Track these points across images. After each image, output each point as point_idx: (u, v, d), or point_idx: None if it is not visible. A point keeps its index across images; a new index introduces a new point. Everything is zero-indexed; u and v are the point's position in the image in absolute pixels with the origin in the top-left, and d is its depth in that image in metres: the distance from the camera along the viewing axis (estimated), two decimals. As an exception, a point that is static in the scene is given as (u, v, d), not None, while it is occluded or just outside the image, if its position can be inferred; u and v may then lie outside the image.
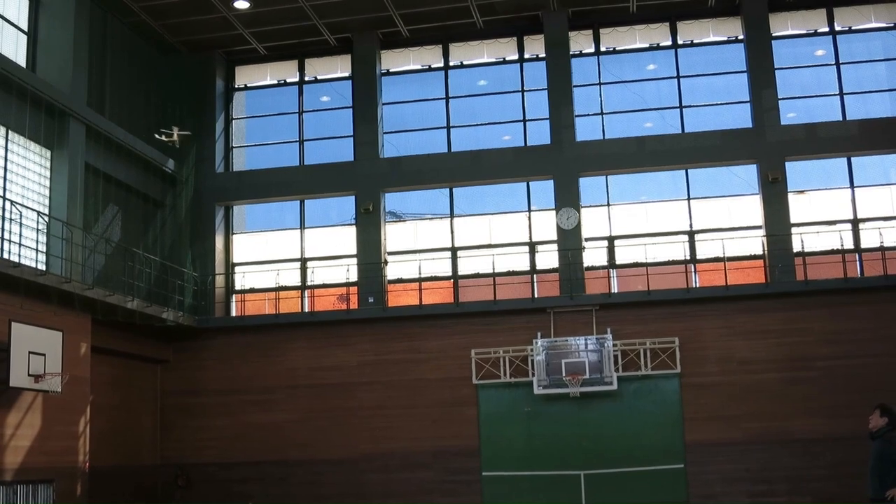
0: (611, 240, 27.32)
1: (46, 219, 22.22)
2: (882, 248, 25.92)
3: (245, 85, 30.38)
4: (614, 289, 26.94)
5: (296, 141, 29.51)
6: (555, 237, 27.14)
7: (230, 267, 28.95)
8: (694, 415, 25.22)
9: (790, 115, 27.48)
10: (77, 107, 23.61)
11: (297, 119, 29.65)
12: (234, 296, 28.84)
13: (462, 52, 29.29)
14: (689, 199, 27.34)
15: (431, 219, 28.60)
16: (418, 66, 29.51)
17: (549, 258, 27.35)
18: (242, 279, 28.91)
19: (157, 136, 26.10)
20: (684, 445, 25.01)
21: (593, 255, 27.29)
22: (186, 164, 28.78)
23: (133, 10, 26.69)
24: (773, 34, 27.77)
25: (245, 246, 29.34)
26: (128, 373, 26.16)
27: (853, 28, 27.93)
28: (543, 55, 28.47)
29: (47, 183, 23.05)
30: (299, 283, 28.51)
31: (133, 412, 26.31)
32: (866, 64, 27.86)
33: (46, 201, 22.89)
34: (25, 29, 23.40)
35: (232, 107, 30.03)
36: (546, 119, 28.02)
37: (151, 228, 27.85)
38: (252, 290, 28.87)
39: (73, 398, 22.21)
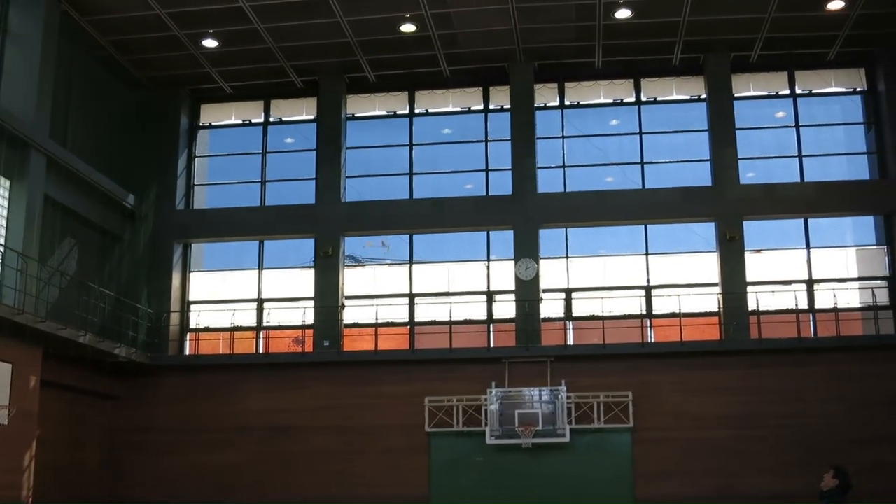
0: (568, 292, 27.42)
1: (2, 249, 22.00)
2: (836, 310, 26.22)
3: (210, 123, 30.34)
4: (570, 341, 27.01)
5: (258, 181, 29.46)
6: (513, 287, 27.20)
7: (186, 305, 28.77)
8: (645, 470, 25.22)
9: (749, 174, 27.78)
10: (39, 138, 23.45)
11: (261, 159, 29.62)
12: (188, 334, 28.64)
13: (428, 100, 29.44)
14: (647, 254, 27.53)
15: (390, 264, 28.59)
16: (384, 112, 29.63)
17: (506, 308, 27.39)
18: (198, 318, 28.73)
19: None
20: (635, 500, 24.95)
21: (550, 307, 27.35)
22: (147, 199, 28.64)
23: (101, 44, 26.69)
24: (735, 95, 28.13)
25: (202, 284, 29.16)
26: (77, 408, 25.82)
27: (813, 91, 28.38)
28: (508, 106, 28.67)
29: (4, 213, 22.82)
30: (255, 324, 28.35)
31: (81, 448, 25.95)
32: (825, 127, 28.33)
33: (2, 231, 22.65)
34: (-9, 58, 23.32)
35: (195, 144, 29.96)
36: (508, 170, 28.14)
37: (108, 263, 27.64)
38: (207, 329, 28.69)
39: (19, 431, 21.86)
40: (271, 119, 30.00)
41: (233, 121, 30.36)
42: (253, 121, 30.13)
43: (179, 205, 29.17)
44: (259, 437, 26.59)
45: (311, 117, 29.70)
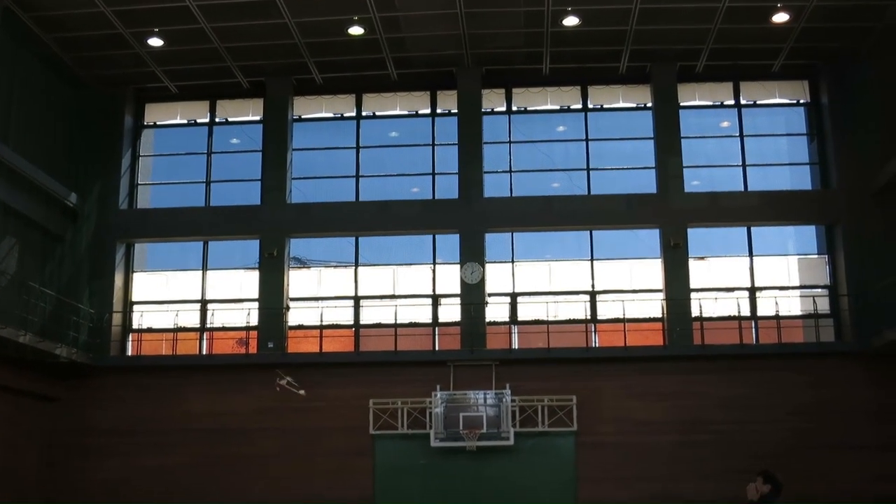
0: (514, 296, 27.49)
1: (-60, 247, 21.64)
2: (777, 317, 26.57)
3: (154, 122, 30.04)
4: (515, 345, 27.08)
5: (202, 182, 29.20)
6: (458, 291, 27.22)
7: (128, 305, 28.45)
8: (588, 473, 25.33)
9: (694, 182, 28.04)
10: (-21, 135, 23.12)
11: (206, 160, 29.38)
12: (130, 335, 28.31)
13: (375, 103, 29.38)
14: (592, 259, 27.68)
15: (336, 266, 28.49)
16: (331, 114, 29.53)
17: (451, 311, 27.38)
18: (140, 318, 28.42)
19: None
20: (577, 503, 25.06)
21: (495, 311, 27.38)
22: (90, 198, 28.29)
23: (45, 41, 26.33)
24: (681, 104, 28.40)
25: (145, 285, 28.84)
26: (16, 409, 25.33)
27: (758, 102, 28.73)
28: (455, 111, 28.71)
29: (-57, 211, 22.48)
30: (198, 325, 28.09)
31: (18, 450, 25.46)
32: (769, 138, 28.69)
33: (-59, 229, 22.29)
34: (-70, 52, 22.93)
35: (140, 144, 29.65)
36: (455, 174, 28.18)
37: (50, 262, 27.21)
38: (150, 330, 28.39)
39: (-44, 432, 21.56)
40: (217, 119, 29.77)
41: (178, 120, 30.07)
42: (198, 121, 29.88)
43: (123, 204, 28.84)
44: (202, 439, 26.32)
45: (258, 118, 29.53)
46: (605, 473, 25.24)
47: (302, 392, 9.62)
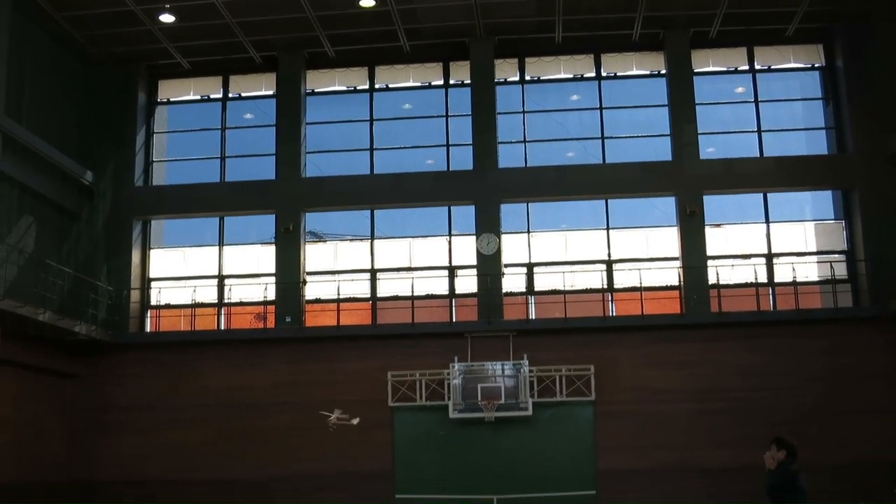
0: (530, 266, 27.49)
1: (-43, 227, 21.75)
2: (794, 283, 26.47)
3: (168, 99, 30.07)
4: (532, 315, 27.10)
5: (217, 157, 29.24)
6: (474, 262, 27.24)
7: (146, 282, 28.57)
8: (607, 442, 25.39)
9: (709, 149, 27.94)
10: (-6, 115, 23.19)
11: (220, 135, 29.41)
12: (149, 311, 28.44)
13: (388, 75, 29.32)
14: (608, 228, 27.62)
15: (352, 240, 28.53)
16: (343, 88, 29.49)
17: (468, 283, 27.41)
18: (158, 295, 28.54)
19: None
20: (596, 472, 25.14)
21: (512, 281, 27.41)
22: (105, 176, 28.35)
23: (56, 19, 26.32)
24: (695, 70, 28.27)
25: (162, 261, 28.95)
26: (36, 387, 25.56)
27: (772, 67, 28.56)
28: (468, 81, 28.62)
29: (-40, 191, 22.58)
30: (216, 301, 28.20)
31: (40, 427, 25.70)
32: (784, 103, 28.56)
33: (-42, 209, 22.40)
34: (-58, 34, 22.97)
35: (153, 121, 29.69)
36: (469, 145, 28.12)
37: (67, 240, 27.34)
38: (168, 306, 28.51)
39: (-23, 411, 21.75)
40: (230, 95, 29.76)
41: (191, 97, 30.09)
42: (212, 96, 29.89)
43: (138, 181, 28.90)
44: (221, 414, 26.48)
45: (271, 93, 29.49)
46: (623, 442, 25.30)
47: (355, 421, 9.58)
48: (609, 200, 27.74)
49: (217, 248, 28.64)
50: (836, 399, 25.12)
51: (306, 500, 25.70)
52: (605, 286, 27.16)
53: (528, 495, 25.04)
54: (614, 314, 26.93)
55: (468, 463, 25.43)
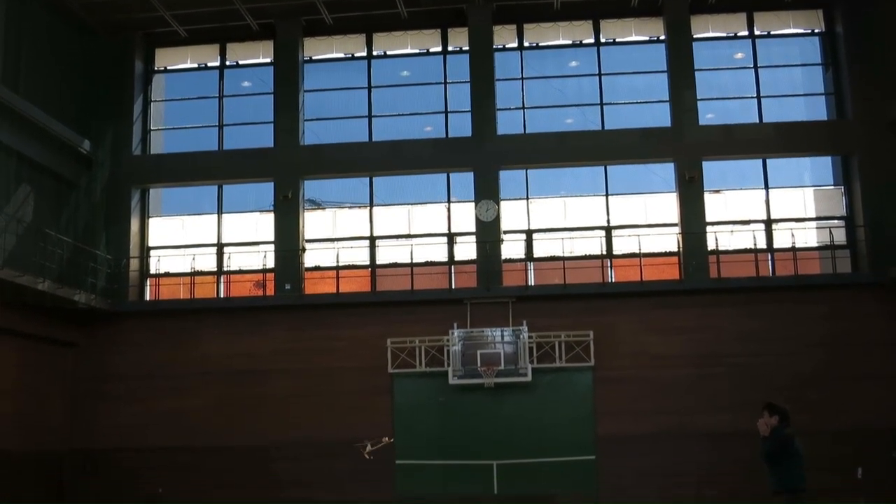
0: (529, 233, 27.48)
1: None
2: (793, 249, 26.49)
3: (165, 67, 29.93)
4: (531, 281, 27.11)
5: (215, 126, 29.17)
6: (473, 229, 27.23)
7: (145, 250, 28.56)
8: (606, 408, 25.46)
9: (708, 115, 27.89)
10: (-9, 84, 23.11)
11: (217, 103, 29.32)
12: (148, 280, 28.45)
13: (386, 42, 29.20)
14: (607, 195, 27.59)
15: (350, 207, 28.51)
16: (341, 55, 29.38)
17: (467, 250, 27.40)
18: (157, 263, 28.54)
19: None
20: (595, 438, 25.23)
21: (511, 248, 27.41)
22: (103, 145, 28.29)
23: (52, -13, 26.23)
24: (694, 36, 28.17)
25: (161, 230, 28.93)
26: (36, 356, 25.62)
27: (772, 33, 28.44)
28: (467, 48, 28.52)
29: (-43, 160, 22.52)
30: (215, 269, 28.20)
31: (41, 396, 25.77)
32: (783, 68, 28.43)
33: (-44, 179, 22.35)
34: (-63, 2, 22.85)
35: (151, 89, 29.58)
36: (468, 112, 28.06)
37: (65, 210, 27.32)
38: (167, 275, 28.51)
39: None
40: (227, 63, 29.65)
41: (188, 65, 29.94)
42: (209, 65, 29.76)
43: (136, 150, 28.85)
44: (221, 381, 26.55)
45: (268, 60, 29.40)
46: (622, 407, 25.37)
47: (386, 439, 9.52)
48: (608, 167, 27.69)
49: (216, 216, 28.61)
50: (835, 365, 25.18)
51: (306, 466, 25.81)
52: (604, 252, 27.17)
53: (528, 461, 25.15)
54: (613, 280, 26.95)
55: (468, 429, 25.52)
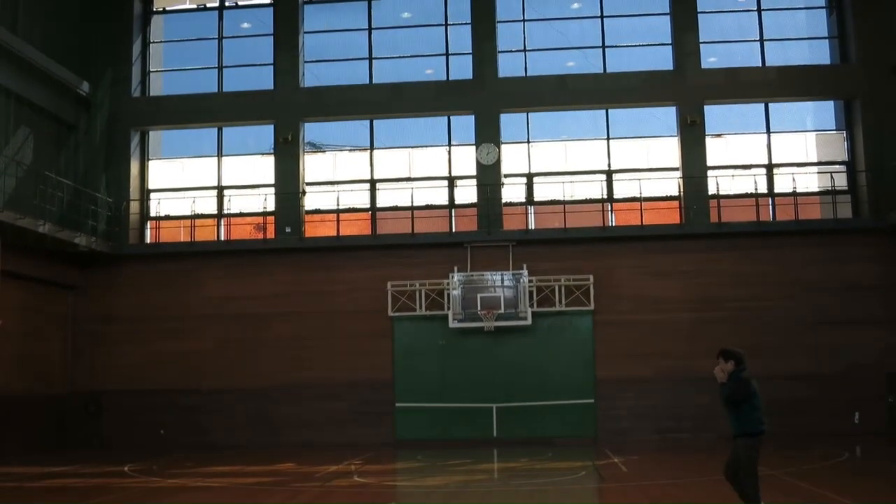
0: (529, 177, 27.42)
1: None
2: (794, 194, 26.46)
3: (164, 8, 29.66)
4: (531, 225, 27.11)
5: (215, 67, 28.97)
6: (474, 172, 27.18)
7: (145, 193, 28.51)
8: (605, 352, 25.59)
9: (711, 59, 27.70)
10: (-13, 25, 22.92)
11: (217, 45, 29.09)
12: (148, 222, 28.44)
13: (386, -17, 28.97)
14: (608, 138, 27.50)
15: (351, 150, 28.43)
16: (342, -4, 29.13)
17: (467, 193, 27.38)
18: (158, 206, 28.52)
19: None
20: (595, 381, 25.38)
21: (512, 192, 27.39)
22: (102, 87, 28.11)
23: (49, -75, 25.91)
24: (697, -22, 27.90)
25: (161, 172, 28.87)
26: (38, 298, 25.71)
27: (776, -25, 28.15)
28: (468, -11, 28.26)
29: (-45, 103, 22.40)
30: (216, 212, 28.17)
31: (43, 338, 25.90)
32: (787, 11, 28.18)
33: (-46, 121, 22.25)
34: (-66, -60, 22.59)
35: (150, 30, 29.33)
36: (469, 54, 27.89)
37: (65, 152, 27.25)
38: (167, 217, 28.50)
39: (-21, 322, 21.88)
40: (227, 3, 29.36)
41: (188, 5, 29.66)
42: (208, 5, 29.48)
43: (135, 92, 28.71)
44: (221, 324, 26.67)
45: (268, 1, 29.11)
46: (622, 351, 25.51)
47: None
48: (609, 110, 27.58)
49: (216, 158, 28.52)
50: (834, 309, 25.28)
51: (307, 408, 26.00)
52: (605, 196, 27.15)
53: (527, 404, 25.34)
54: (614, 224, 26.95)
55: (467, 372, 25.67)
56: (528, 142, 27.68)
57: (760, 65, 27.52)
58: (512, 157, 27.50)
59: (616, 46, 28.01)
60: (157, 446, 25.40)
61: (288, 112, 27.80)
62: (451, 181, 27.59)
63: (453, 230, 27.14)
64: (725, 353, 10.89)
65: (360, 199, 27.76)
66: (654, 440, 24.90)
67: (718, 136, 27.30)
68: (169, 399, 26.36)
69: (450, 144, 27.90)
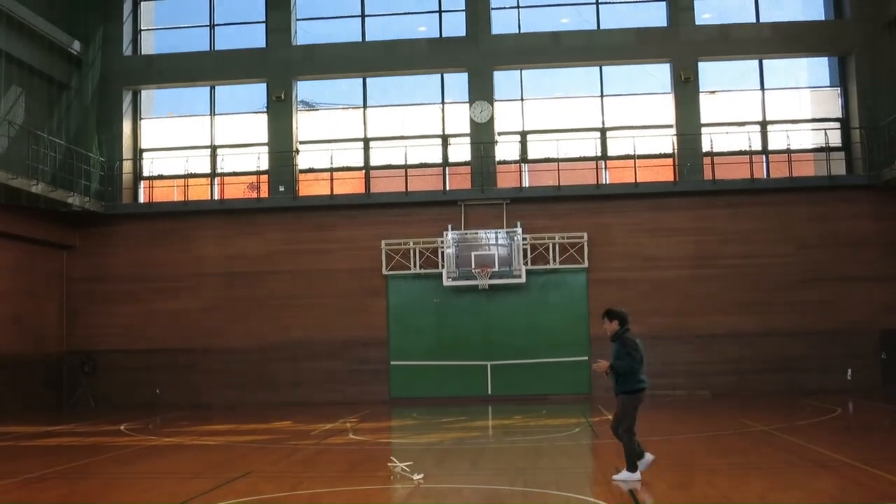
0: (523, 134, 27.35)
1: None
2: (788, 151, 26.39)
3: (155, -34, 29.46)
4: (525, 183, 27.08)
5: (206, 25, 28.77)
6: (468, 130, 27.10)
7: (138, 153, 28.41)
8: (599, 309, 25.04)
9: (705, 15, 27.56)
10: (-23, -19, 22.73)
11: (209, 2, 28.83)
12: (141, 182, 28.36)
13: (379, -61, 28.72)
14: (602, 96, 27.41)
15: (344, 109, 28.33)
16: (334, -49, 28.89)
17: (461, 151, 27.32)
18: (151, 165, 28.43)
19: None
20: (589, 338, 25.42)
21: (505, 150, 27.32)
22: (93, 46, 27.92)
23: None
24: (691, -68, 27.68)
25: (153, 131, 28.77)
26: (32, 258, 25.70)
27: (770, -71, 27.95)
28: (461, -56, 28.05)
29: (-55, 62, 22.26)
30: (209, 171, 28.11)
31: (38, 298, 25.92)
32: (780, -34, 28.01)
33: (-55, 80, 22.12)
34: None
35: (141, -13, 29.15)
36: (462, 10, 27.73)
37: (56, 111, 27.11)
38: (161, 177, 28.43)
39: (-26, 282, 21.92)
40: (218, -39, 29.15)
41: (179, -37, 29.44)
42: (199, -37, 29.26)
43: (127, 51, 28.53)
44: (215, 283, 26.71)
45: (260, -43, 28.90)
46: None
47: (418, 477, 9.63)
48: (603, 67, 27.47)
49: (209, 117, 28.41)
50: (827, 266, 25.34)
51: (302, 367, 26.09)
52: (599, 154, 27.09)
53: (521, 361, 25.42)
54: (608, 182, 26.92)
55: (462, 330, 25.75)
56: (522, 99, 27.58)
57: (755, 21, 27.37)
58: (505, 115, 27.41)
59: (610, 2, 27.84)
60: (152, 405, 25.50)
61: (280, 70, 27.66)
62: (445, 139, 27.52)
63: (447, 188, 27.07)
64: (610, 314, 11.34)
65: (354, 157, 27.71)
66: (647, 397, 24.95)
67: (712, 93, 27.23)
68: (164, 358, 26.46)
69: (443, 102, 27.79)
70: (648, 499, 9.58)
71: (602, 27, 27.59)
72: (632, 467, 10.91)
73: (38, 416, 23.06)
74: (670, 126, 26.85)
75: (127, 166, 27.86)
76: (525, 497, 10.12)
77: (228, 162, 28.07)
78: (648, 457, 11.12)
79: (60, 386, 26.53)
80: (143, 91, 28.76)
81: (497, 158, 26.91)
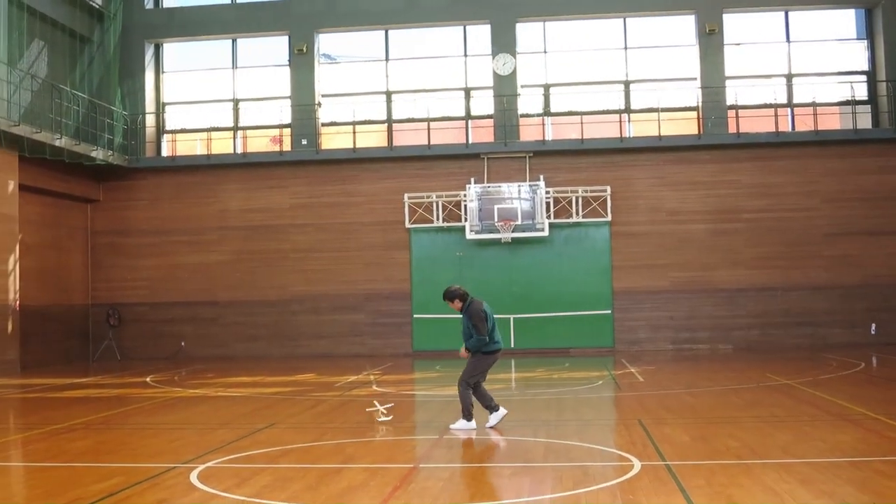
0: (546, 87, 27.21)
1: (-31, 52, 21.53)
2: (814, 104, 26.20)
3: (176, -82, 29.31)
4: (548, 136, 26.98)
5: (228, -23, 28.68)
6: (490, 83, 26.96)
7: (160, 106, 28.43)
8: (622, 263, 25.63)
9: (731, -35, 27.25)
10: (-1, -65, 22.66)
11: (231, -46, 28.76)
12: (164, 135, 28.39)
13: None
14: (625, 48, 27.20)
15: (366, 62, 28.21)
16: None
17: (484, 104, 27.21)
18: (173, 119, 28.44)
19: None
20: (612, 292, 25.45)
21: (528, 102, 27.19)
22: (114, -1, 27.92)
23: None
24: None
25: (176, 85, 28.75)
26: (57, 211, 25.85)
27: None
28: None
29: (-32, 16, 22.26)
30: (231, 124, 28.10)
31: (63, 251, 26.09)
32: (809, -84, 27.62)
33: (-32, 35, 22.14)
34: None
35: (162, -60, 29.04)
36: (484, -38, 27.51)
37: (79, 65, 27.11)
38: (183, 131, 28.45)
39: (1, 236, 22.00)
40: (240, -88, 28.97)
41: (200, -85, 29.28)
42: (221, -86, 29.08)
43: (149, 3, 28.49)
44: (238, 236, 26.81)
45: None
46: (639, 262, 25.56)
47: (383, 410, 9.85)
48: (627, 19, 27.23)
49: (231, 71, 28.35)
50: (852, 220, 25.24)
51: (326, 319, 26.23)
52: (623, 107, 26.94)
53: (545, 314, 25.46)
54: (631, 135, 26.79)
55: (484, 283, 25.57)
56: (545, 52, 27.39)
57: (781, -29, 27.09)
58: (528, 68, 27.25)
59: (634, -47, 27.57)
60: (176, 358, 25.71)
61: (302, 22, 27.55)
62: (467, 92, 27.40)
63: (470, 142, 27.00)
64: (449, 296, 11.49)
65: (376, 110, 27.64)
66: (669, 351, 25.06)
67: (737, 44, 26.97)
68: (188, 311, 26.66)
69: (466, 55, 27.63)
70: (672, 450, 9.58)
71: (626, -22, 27.35)
72: (467, 416, 11.37)
73: (64, 368, 23.29)
74: (694, 79, 26.63)
75: (150, 120, 27.89)
76: (547, 448, 10.16)
77: (250, 115, 28.05)
78: (502, 410, 11.59)
79: (87, 338, 26.77)
80: (165, 44, 28.71)
81: (520, 111, 26.80)
